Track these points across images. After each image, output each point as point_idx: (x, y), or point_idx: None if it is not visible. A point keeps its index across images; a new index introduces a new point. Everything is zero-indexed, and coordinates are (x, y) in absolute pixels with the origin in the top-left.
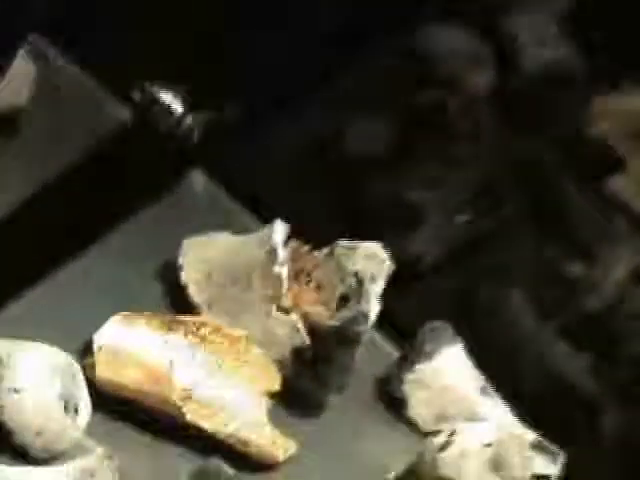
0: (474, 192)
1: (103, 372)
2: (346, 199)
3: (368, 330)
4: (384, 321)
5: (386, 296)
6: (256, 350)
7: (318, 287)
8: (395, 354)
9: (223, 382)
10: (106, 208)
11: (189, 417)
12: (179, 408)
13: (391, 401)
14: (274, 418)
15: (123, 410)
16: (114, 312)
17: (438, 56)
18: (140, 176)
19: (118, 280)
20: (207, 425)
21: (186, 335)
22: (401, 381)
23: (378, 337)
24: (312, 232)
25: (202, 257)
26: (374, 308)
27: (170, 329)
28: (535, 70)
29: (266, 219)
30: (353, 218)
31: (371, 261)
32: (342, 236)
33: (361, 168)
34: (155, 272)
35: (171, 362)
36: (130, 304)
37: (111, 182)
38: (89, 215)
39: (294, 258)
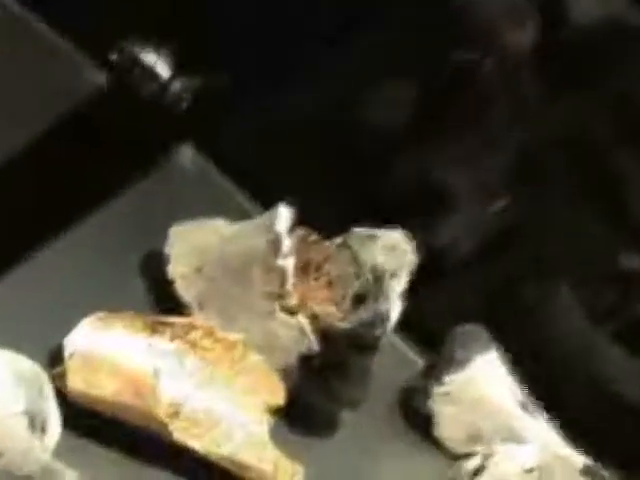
0: (513, 173)
1: (75, 383)
2: (361, 181)
3: (388, 334)
4: (407, 324)
5: (409, 294)
6: (255, 357)
7: (329, 283)
8: (420, 363)
9: (217, 395)
10: (80, 188)
11: (177, 436)
12: (165, 425)
13: (415, 418)
14: (277, 438)
15: (98, 427)
16: (88, 312)
17: (472, 8)
18: (120, 151)
19: (93, 274)
20: (198, 446)
21: (173, 339)
22: (427, 395)
23: (400, 342)
24: (321, 219)
25: (192, 247)
26: (395, 308)
27: (154, 332)
28: (586, 24)
29: (267, 203)
30: (370, 203)
31: (392, 253)
32: (357, 223)
33: (379, 144)
34: (137, 265)
35: (155, 371)
36: (107, 302)
37: (86, 158)
38: (60, 196)
39: (301, 249)
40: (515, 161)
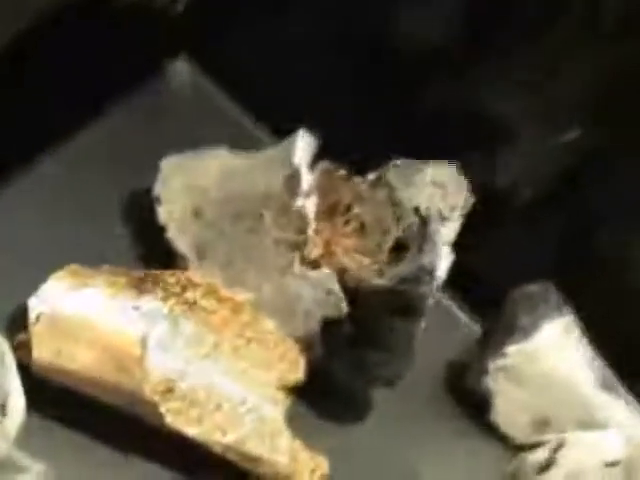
0: (584, 102)
1: (41, 353)
2: (400, 106)
3: (434, 294)
4: (458, 281)
5: (461, 245)
6: (268, 322)
7: (361, 229)
8: (474, 330)
9: (220, 369)
10: (55, 108)
11: (169, 420)
12: (155, 407)
13: (467, 399)
14: (295, 423)
15: (70, 407)
16: (58, 266)
17: None
18: (101, 63)
19: (65, 220)
20: (196, 432)
21: (165, 299)
22: (483, 370)
23: (449, 305)
24: (350, 152)
25: (188, 184)
26: (444, 261)
27: (141, 291)
28: None
29: (282, 131)
30: (410, 135)
31: (441, 191)
32: (394, 156)
33: (422, 60)
34: (119, 207)
35: (143, 339)
36: (83, 255)
37: (59, 71)
38: (28, 117)
39: (325, 186)
40: (586, 88)
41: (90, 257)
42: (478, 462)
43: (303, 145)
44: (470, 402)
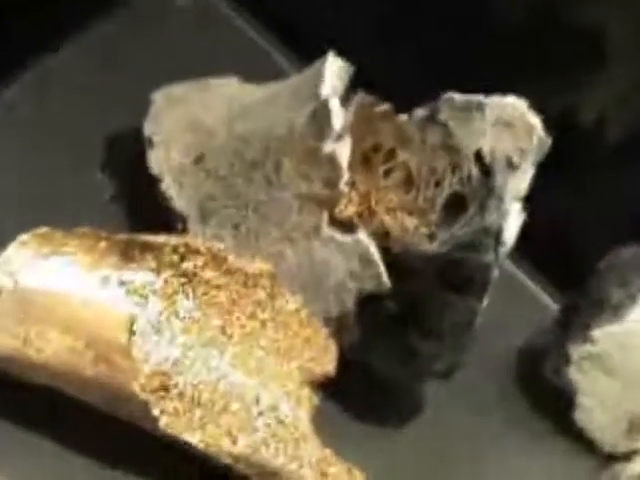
0: None
1: (1, 340)
2: (455, 24)
3: (501, 263)
4: (530, 247)
5: (534, 200)
6: (290, 300)
7: (407, 181)
8: (552, 308)
9: (228, 360)
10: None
11: (164, 423)
12: (145, 407)
13: (545, 395)
14: (325, 427)
15: (36, 411)
16: (23, 227)
17: None
18: None
19: (32, 163)
20: (197, 439)
21: (159, 271)
22: (564, 358)
23: (520, 276)
24: (393, 80)
25: (189, 123)
26: (512, 222)
27: (128, 260)
28: None
29: (308, 55)
30: (468, 60)
31: (508, 132)
32: (447, 89)
33: None
34: (102, 149)
35: (131, 322)
36: (53, 212)
37: None
38: None
39: (362, 126)
40: None
41: (63, 216)
42: (558, 473)
43: (334, 72)
44: (547, 398)
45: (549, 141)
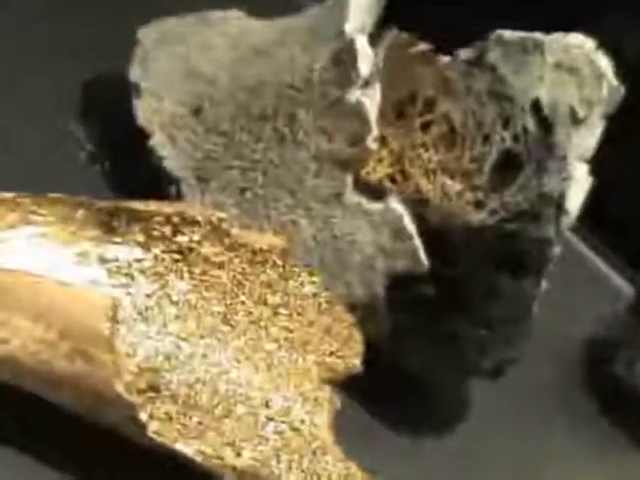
0: None
1: None
2: None
3: (563, 237)
4: (600, 219)
5: (604, 162)
6: (307, 281)
7: (449, 137)
8: (626, 292)
9: (231, 353)
10: None
11: (154, 430)
12: (132, 411)
13: (616, 396)
14: (349, 434)
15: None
16: None
17: None
18: None
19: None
20: (194, 449)
21: (148, 246)
22: (637, 355)
23: (586, 254)
24: (432, 15)
25: (185, 67)
26: (577, 188)
27: (111, 232)
28: None
29: None
30: None
31: (572, 78)
32: (497, 25)
33: None
34: (80, 98)
35: (114, 308)
36: (21, 173)
37: None
38: None
39: (396, 70)
40: None
41: (32, 178)
42: None
43: (360, 4)
44: (619, 400)
45: (622, 90)
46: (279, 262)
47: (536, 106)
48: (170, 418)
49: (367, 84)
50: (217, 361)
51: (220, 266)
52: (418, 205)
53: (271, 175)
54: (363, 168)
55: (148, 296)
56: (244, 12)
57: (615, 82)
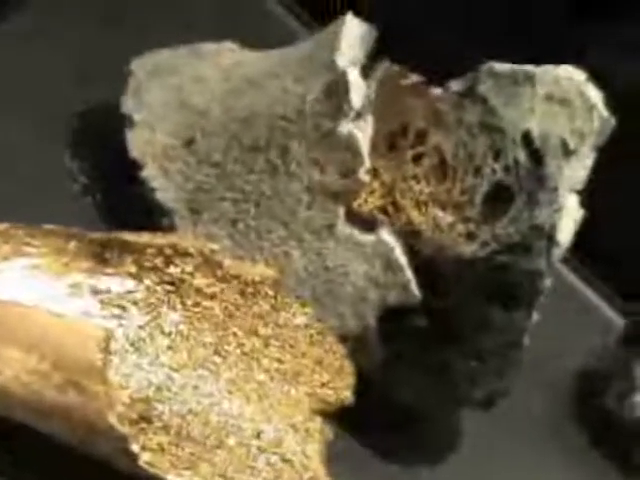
0: None
1: None
2: None
3: (554, 269)
4: (591, 250)
5: (594, 193)
6: (299, 312)
7: (440, 168)
8: (617, 324)
9: (222, 385)
10: None
11: (146, 461)
12: (123, 442)
13: (607, 430)
14: (341, 466)
15: None
16: None
17: None
18: None
19: None
20: None
21: (140, 277)
22: (631, 383)
23: (577, 286)
24: (423, 47)
25: (178, 98)
26: (568, 219)
27: (104, 264)
28: None
29: (322, 17)
30: (513, 20)
31: (563, 110)
32: (488, 57)
33: None
34: (74, 129)
35: (106, 339)
36: (15, 205)
37: None
38: None
39: (387, 102)
40: None
41: (26, 209)
42: None
43: (353, 37)
44: (610, 432)
45: (612, 121)
46: (271, 293)
47: (527, 138)
48: (162, 449)
49: (359, 116)
50: (209, 392)
51: (212, 297)
52: (410, 237)
53: (263, 206)
54: (355, 200)
55: (140, 327)
56: (237, 44)
57: (606, 113)
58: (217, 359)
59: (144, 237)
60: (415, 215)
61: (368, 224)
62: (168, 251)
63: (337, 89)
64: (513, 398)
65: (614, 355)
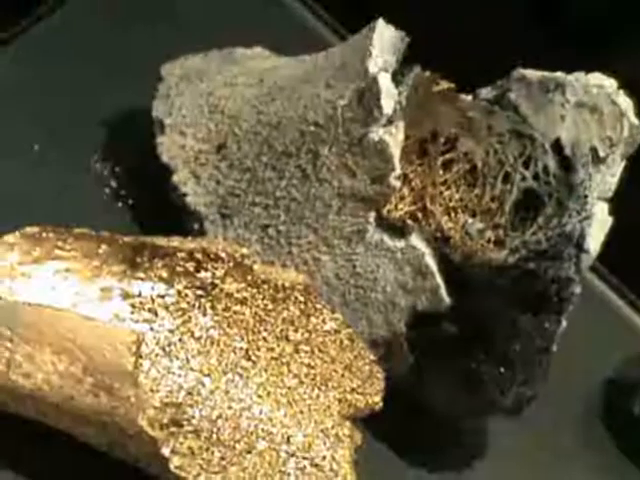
0: None
1: None
2: None
3: (583, 277)
4: (620, 259)
5: (625, 201)
6: (329, 317)
7: (471, 175)
8: None
9: (253, 390)
10: None
11: (176, 465)
12: (154, 446)
13: (637, 436)
14: (371, 470)
15: (16, 442)
16: (8, 226)
17: None
18: None
19: (20, 147)
20: None
21: (171, 282)
22: None
23: (606, 294)
24: (454, 54)
25: (209, 104)
26: (598, 227)
27: (135, 268)
28: None
29: (354, 25)
30: (545, 29)
31: (593, 117)
32: (519, 64)
33: None
34: (103, 133)
35: (137, 343)
36: (46, 207)
37: None
38: None
39: (418, 108)
40: None
41: (57, 213)
42: None
43: (385, 43)
44: (638, 442)
45: None
46: (301, 299)
47: (557, 145)
48: (192, 453)
49: (390, 122)
50: (239, 397)
51: (243, 302)
52: (439, 243)
53: (294, 212)
54: (385, 206)
55: (171, 331)
56: (267, 49)
57: (636, 121)
58: (247, 364)
59: (175, 241)
60: (445, 221)
61: (398, 230)
62: (199, 255)
63: (368, 95)
64: (541, 405)
65: (636, 362)
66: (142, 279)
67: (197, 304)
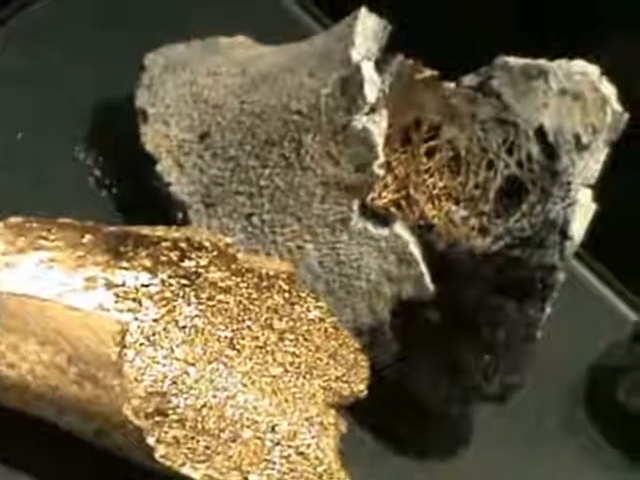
0: None
1: None
2: None
3: (567, 264)
4: (604, 246)
5: (607, 188)
6: (313, 305)
7: (454, 163)
8: (631, 319)
9: (237, 378)
10: None
11: (162, 454)
12: (139, 435)
13: (619, 421)
14: (355, 459)
15: (2, 429)
16: None
17: None
18: None
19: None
20: (201, 474)
21: (155, 271)
22: None
23: (590, 281)
24: (437, 41)
25: (192, 92)
26: (581, 214)
27: (119, 257)
28: None
29: (337, 12)
30: (526, 15)
31: (576, 104)
32: (502, 51)
33: None
34: (86, 122)
35: (122, 333)
36: (29, 197)
37: None
38: None
39: (401, 96)
40: None
41: (40, 202)
42: None
43: (367, 31)
44: (621, 427)
45: (626, 116)
46: (285, 287)
47: (540, 132)
48: (177, 442)
49: (373, 110)
50: (224, 386)
51: (227, 291)
52: (423, 231)
53: (277, 200)
54: (369, 194)
55: (155, 321)
56: (251, 38)
57: (619, 108)
58: (232, 353)
59: (159, 231)
60: (429, 209)
61: (382, 218)
62: (183, 245)
63: (351, 83)
64: (526, 391)
65: (626, 349)
66: (126, 269)
67: (181, 293)
